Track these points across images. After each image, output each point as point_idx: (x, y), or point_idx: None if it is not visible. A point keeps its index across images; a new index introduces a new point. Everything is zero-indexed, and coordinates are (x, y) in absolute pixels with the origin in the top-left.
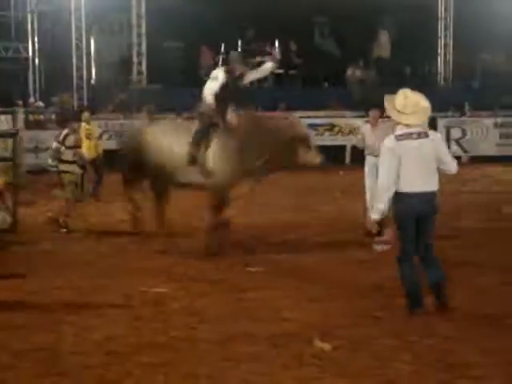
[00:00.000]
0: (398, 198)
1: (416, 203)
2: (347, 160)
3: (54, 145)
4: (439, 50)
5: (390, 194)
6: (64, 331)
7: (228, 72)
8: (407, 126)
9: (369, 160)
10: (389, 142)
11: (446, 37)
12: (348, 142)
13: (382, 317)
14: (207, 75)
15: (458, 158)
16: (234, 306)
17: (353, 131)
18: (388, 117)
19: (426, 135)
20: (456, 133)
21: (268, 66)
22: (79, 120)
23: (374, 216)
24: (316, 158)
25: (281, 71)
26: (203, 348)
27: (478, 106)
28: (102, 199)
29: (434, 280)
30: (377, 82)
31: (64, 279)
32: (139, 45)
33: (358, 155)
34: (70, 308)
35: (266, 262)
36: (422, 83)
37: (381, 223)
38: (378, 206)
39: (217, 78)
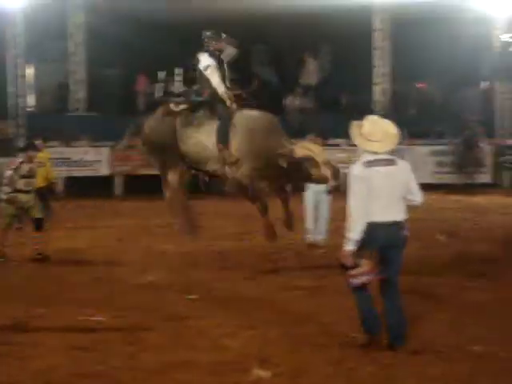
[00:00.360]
0: (365, 226)
1: (381, 233)
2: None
3: (8, 173)
4: (376, 79)
5: (364, 223)
6: (0, 361)
7: (211, 54)
8: (374, 153)
9: (310, 186)
10: (356, 168)
11: (382, 66)
12: None
13: (322, 344)
14: (146, 103)
15: None
16: (173, 334)
17: None
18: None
19: (395, 163)
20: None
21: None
22: (37, 150)
23: (348, 247)
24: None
25: None
26: (142, 377)
27: (414, 135)
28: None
29: (392, 324)
30: (315, 110)
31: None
32: (77, 72)
33: None
34: (6, 338)
35: (204, 289)
36: (360, 111)
37: (356, 254)
38: (350, 236)
39: (209, 65)
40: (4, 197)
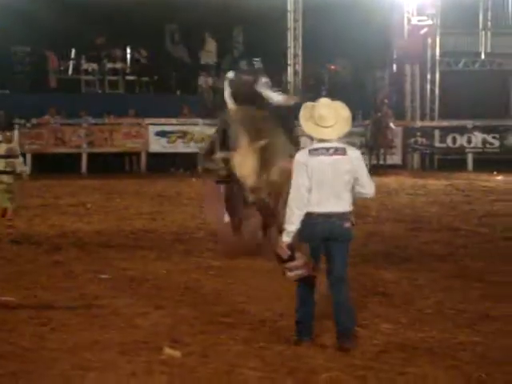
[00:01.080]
0: (304, 217)
1: (322, 224)
2: (200, 168)
3: None
4: (289, 60)
5: (302, 214)
6: None
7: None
8: (323, 140)
9: None
10: (301, 156)
11: (295, 47)
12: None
13: (232, 323)
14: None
15: None
16: (84, 314)
17: (205, 139)
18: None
19: (344, 152)
20: (304, 142)
21: (281, 97)
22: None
23: (286, 238)
24: None
25: (132, 77)
26: (52, 357)
27: None
28: None
29: (339, 321)
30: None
31: None
32: None
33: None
34: None
35: (115, 269)
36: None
37: (292, 247)
38: (288, 228)
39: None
40: None
